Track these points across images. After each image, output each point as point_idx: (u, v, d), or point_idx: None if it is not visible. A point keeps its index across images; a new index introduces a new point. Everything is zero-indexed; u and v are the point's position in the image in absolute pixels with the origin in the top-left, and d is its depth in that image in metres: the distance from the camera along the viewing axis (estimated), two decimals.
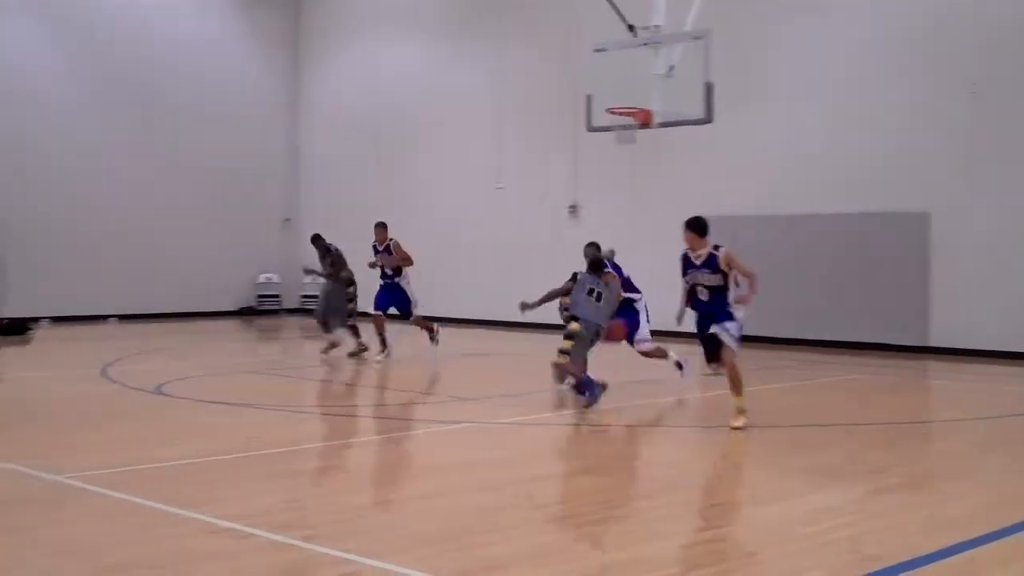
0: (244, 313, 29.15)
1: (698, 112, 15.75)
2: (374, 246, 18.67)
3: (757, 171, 21.80)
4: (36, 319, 24.31)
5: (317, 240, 19.33)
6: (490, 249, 25.98)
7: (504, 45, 25.82)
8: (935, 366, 18.48)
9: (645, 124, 16.38)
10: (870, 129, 20.41)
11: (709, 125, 16.20)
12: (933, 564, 6.52)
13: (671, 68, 16.11)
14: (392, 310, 18.61)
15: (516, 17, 25.69)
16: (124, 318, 26.57)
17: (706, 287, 11.65)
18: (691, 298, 11.85)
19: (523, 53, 25.49)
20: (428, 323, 18.89)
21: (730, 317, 11.65)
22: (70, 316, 25.94)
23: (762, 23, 21.76)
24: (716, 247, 11.69)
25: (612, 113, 16.65)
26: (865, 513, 7.94)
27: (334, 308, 18.88)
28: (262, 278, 29.41)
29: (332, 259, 18.93)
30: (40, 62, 26.20)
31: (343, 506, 8.04)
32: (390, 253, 18.39)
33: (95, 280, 26.63)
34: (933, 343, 19.60)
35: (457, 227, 26.64)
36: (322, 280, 19.35)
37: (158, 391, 14.28)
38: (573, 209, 24.60)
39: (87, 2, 27.09)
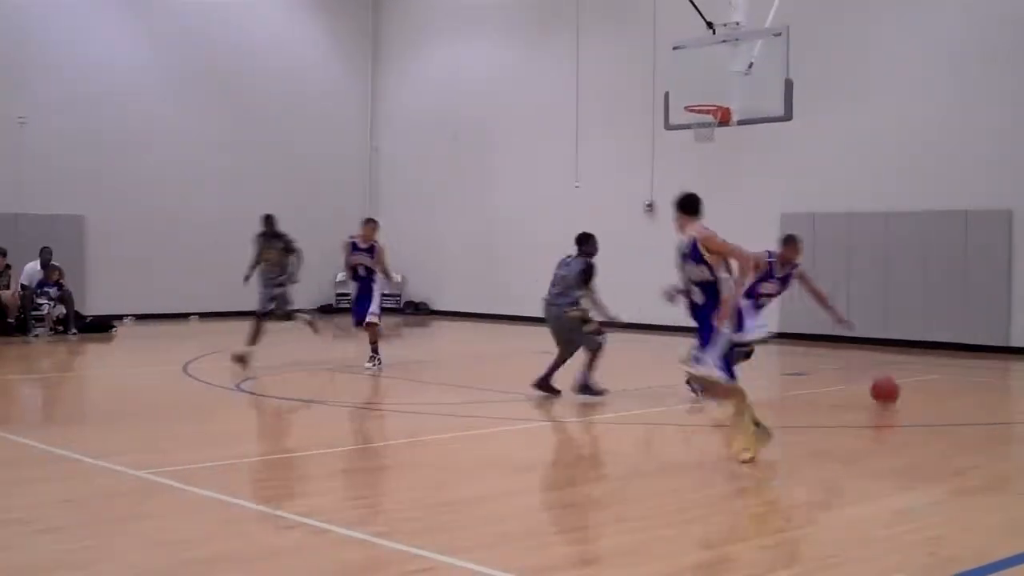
0: (323, 311, 29.39)
1: (778, 109, 15.68)
2: (352, 243, 16.82)
3: (836, 169, 21.58)
4: (119, 317, 24.70)
5: (269, 221, 17.71)
6: (567, 248, 25.88)
7: (582, 43, 25.76)
8: (1017, 367, 18.18)
9: (724, 122, 16.31)
10: (951, 126, 20.13)
11: (789, 122, 16.11)
12: (1014, 568, 6.42)
13: (750, 65, 16.03)
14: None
15: (594, 15, 25.63)
16: (206, 316, 26.90)
17: (697, 284, 9.49)
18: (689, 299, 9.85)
19: (601, 51, 25.43)
20: (379, 336, 16.98)
21: (711, 340, 9.39)
22: (152, 314, 26.33)
23: (842, 20, 21.53)
24: (704, 229, 9.50)
25: (691, 111, 16.60)
26: (946, 515, 7.84)
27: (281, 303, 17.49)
28: (340, 276, 29.57)
29: (285, 245, 17.51)
30: (126, 62, 26.61)
31: (416, 503, 8.08)
32: (372, 254, 16.71)
33: (178, 278, 26.98)
34: (1015, 343, 19.28)
35: (534, 225, 26.60)
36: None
37: (238, 388, 14.45)
38: (650, 207, 24.51)
39: (172, 2, 27.47)
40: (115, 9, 26.61)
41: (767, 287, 13.24)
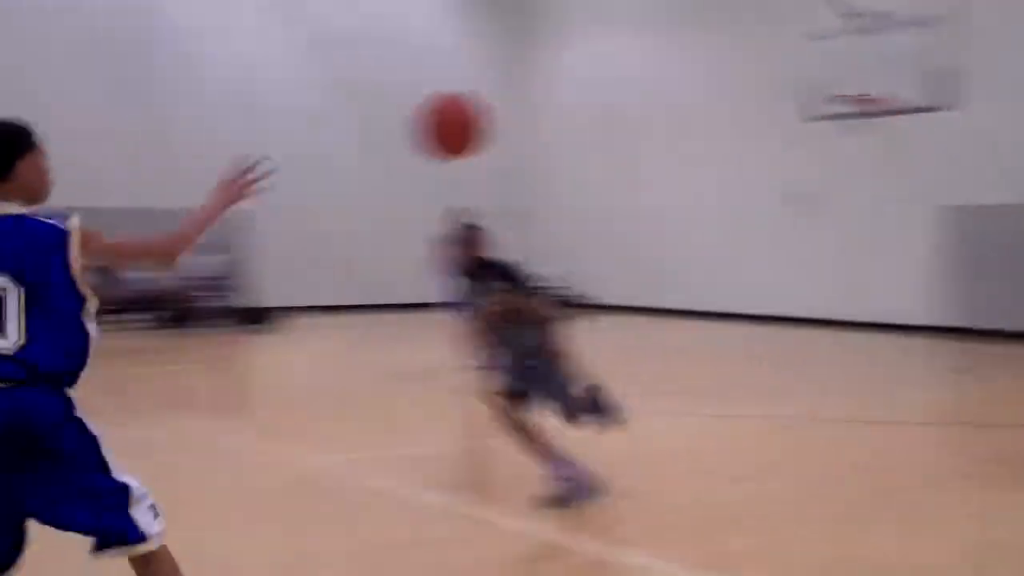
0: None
1: (929, 99, 15.42)
2: None
3: (994, 160, 20.80)
4: None
5: None
6: (715, 241, 25.61)
7: (726, 35, 25.37)
8: None
9: (872, 112, 16.12)
10: None
11: (938, 113, 15.80)
12: None
13: (899, 55, 15.83)
14: None
15: (736, 6, 25.25)
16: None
17: None
18: None
19: (742, 42, 24.91)
20: None
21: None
22: None
23: (997, 9, 20.83)
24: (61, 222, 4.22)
25: (834, 102, 16.43)
26: None
27: None
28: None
29: None
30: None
31: None
32: None
33: None
34: None
35: (683, 218, 26.26)
36: None
37: None
38: (793, 199, 23.94)
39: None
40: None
41: None
